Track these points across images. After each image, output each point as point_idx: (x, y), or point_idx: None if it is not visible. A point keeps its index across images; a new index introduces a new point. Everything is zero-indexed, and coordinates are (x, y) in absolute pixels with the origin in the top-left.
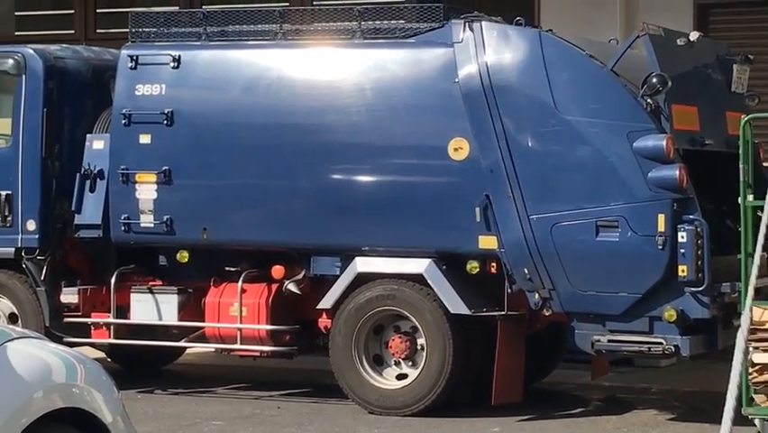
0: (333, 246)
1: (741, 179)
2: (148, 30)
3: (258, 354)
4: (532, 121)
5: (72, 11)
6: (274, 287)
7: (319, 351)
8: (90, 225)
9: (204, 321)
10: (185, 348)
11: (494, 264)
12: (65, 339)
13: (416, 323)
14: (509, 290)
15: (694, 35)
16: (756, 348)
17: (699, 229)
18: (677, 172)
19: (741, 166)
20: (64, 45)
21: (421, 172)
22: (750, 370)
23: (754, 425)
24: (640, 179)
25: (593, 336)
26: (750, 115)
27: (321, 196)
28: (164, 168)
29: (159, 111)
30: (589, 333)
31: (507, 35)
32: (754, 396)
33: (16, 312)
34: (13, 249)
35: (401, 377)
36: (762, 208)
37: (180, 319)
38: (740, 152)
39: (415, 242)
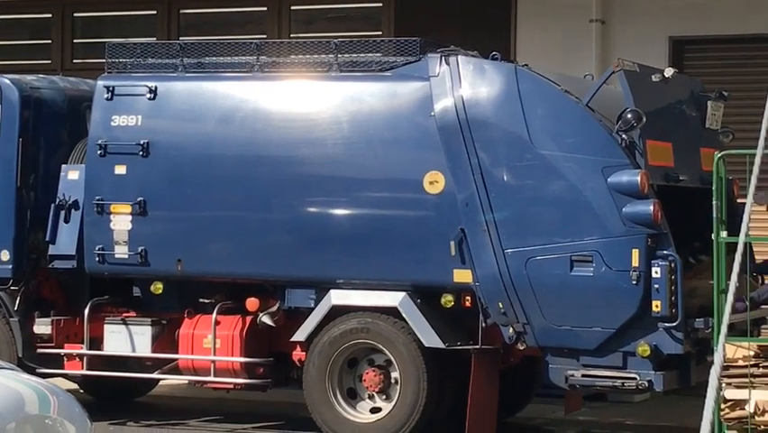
0: (308, 279)
1: (714, 215)
2: (124, 60)
3: (231, 386)
4: (507, 155)
5: (49, 41)
6: (248, 319)
7: (293, 384)
8: (64, 256)
9: (177, 353)
10: (158, 380)
11: (469, 298)
12: (38, 370)
13: (390, 356)
14: (484, 324)
15: (669, 71)
16: (729, 384)
17: (672, 265)
18: (651, 208)
19: (714, 203)
20: (40, 75)
21: (396, 205)
22: (722, 406)
23: None
24: (614, 214)
25: (567, 370)
26: (723, 152)
27: (296, 228)
28: (139, 199)
29: (134, 142)
30: (562, 367)
31: (483, 69)
32: (726, 432)
33: None
34: None
35: (375, 411)
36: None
37: (154, 351)
38: (713, 188)
39: (389, 275)
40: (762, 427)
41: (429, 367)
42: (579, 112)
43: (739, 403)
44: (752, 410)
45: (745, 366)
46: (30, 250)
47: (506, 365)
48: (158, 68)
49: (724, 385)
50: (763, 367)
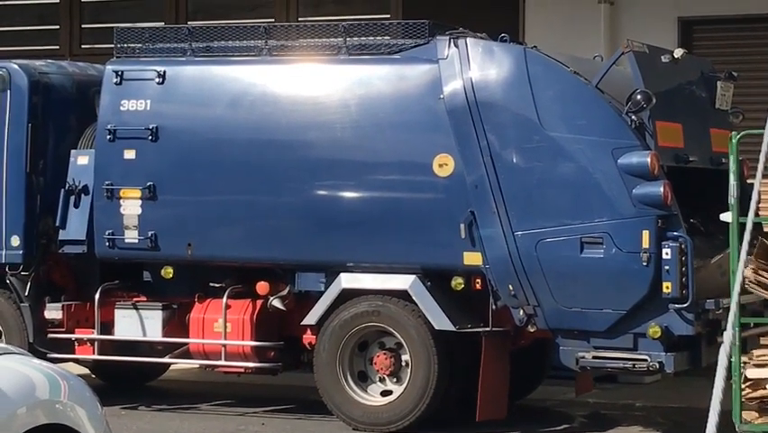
0: (318, 262)
1: (731, 194)
2: (133, 45)
3: (242, 370)
4: (516, 137)
5: (57, 26)
6: (259, 303)
7: (304, 367)
8: (74, 241)
9: (188, 337)
10: (169, 364)
11: (479, 281)
12: (49, 355)
13: (401, 339)
14: (494, 307)
15: (678, 52)
16: (747, 363)
17: (683, 246)
18: (661, 189)
19: (732, 182)
20: (49, 60)
21: (406, 188)
22: (743, 386)
23: None
24: (625, 195)
25: (578, 352)
26: (744, 132)
27: (306, 212)
28: (149, 183)
29: (143, 126)
30: (573, 349)
31: (492, 51)
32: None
33: (0, 328)
34: None
35: (386, 393)
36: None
37: (165, 335)
38: (731, 169)
39: (399, 258)
40: None
41: (440, 350)
42: (588, 93)
43: (760, 383)
44: None
45: (766, 345)
46: (40, 235)
47: (516, 348)
48: (166, 52)
49: (744, 365)
50: None
